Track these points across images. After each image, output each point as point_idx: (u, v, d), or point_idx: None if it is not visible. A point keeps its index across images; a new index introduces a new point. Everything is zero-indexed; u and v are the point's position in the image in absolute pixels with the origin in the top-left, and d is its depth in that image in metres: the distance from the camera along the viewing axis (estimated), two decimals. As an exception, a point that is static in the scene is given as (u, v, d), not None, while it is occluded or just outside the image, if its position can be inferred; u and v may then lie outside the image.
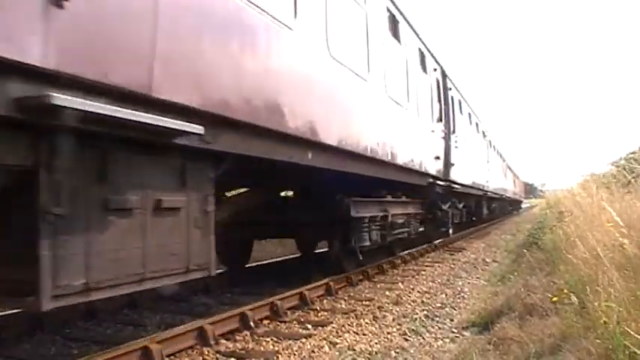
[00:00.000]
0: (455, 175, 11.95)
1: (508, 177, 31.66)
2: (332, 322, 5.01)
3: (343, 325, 4.92)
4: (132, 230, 3.06)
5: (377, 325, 5.00)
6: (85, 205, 2.75)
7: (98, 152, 2.85)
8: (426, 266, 9.24)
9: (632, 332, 2.66)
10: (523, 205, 50.59)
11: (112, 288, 2.93)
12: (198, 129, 3.15)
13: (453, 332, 4.80)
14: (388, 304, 5.94)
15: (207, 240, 3.71)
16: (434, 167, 10.04)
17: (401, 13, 8.23)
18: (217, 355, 4.01)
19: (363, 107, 6.29)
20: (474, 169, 15.79)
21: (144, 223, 3.13)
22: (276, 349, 4.21)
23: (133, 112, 2.69)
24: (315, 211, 6.70)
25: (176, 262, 3.43)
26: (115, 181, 2.95)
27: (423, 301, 6.18)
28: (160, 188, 3.27)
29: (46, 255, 2.51)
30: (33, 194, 2.50)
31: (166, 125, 2.92)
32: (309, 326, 4.90)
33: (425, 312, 5.59)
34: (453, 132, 12.07)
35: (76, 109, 2.36)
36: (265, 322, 5.01)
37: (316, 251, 9.55)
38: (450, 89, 12.42)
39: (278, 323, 5.02)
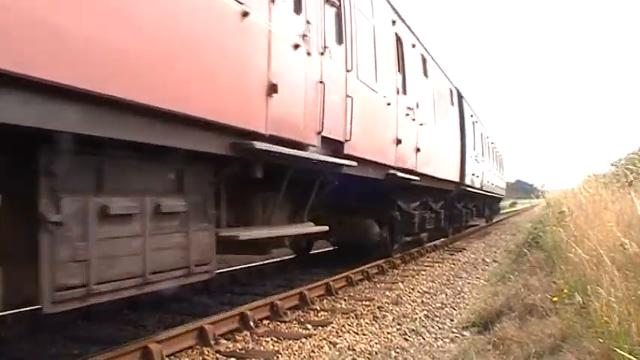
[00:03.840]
0: None
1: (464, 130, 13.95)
2: (332, 322, 5.01)
3: (343, 325, 4.91)
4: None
5: (377, 325, 5.00)
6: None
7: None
8: (426, 266, 9.24)
9: (633, 332, 2.66)
10: (516, 207, 39.61)
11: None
12: None
13: (453, 332, 4.79)
14: (388, 304, 5.94)
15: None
16: None
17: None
18: (217, 355, 4.01)
19: None
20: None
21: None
22: (276, 349, 4.20)
23: None
24: None
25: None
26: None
27: (423, 301, 6.18)
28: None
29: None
30: None
31: None
32: (309, 326, 4.89)
33: (425, 312, 5.59)
34: None
35: None
36: (265, 322, 5.00)
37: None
38: None
39: (278, 323, 5.02)
